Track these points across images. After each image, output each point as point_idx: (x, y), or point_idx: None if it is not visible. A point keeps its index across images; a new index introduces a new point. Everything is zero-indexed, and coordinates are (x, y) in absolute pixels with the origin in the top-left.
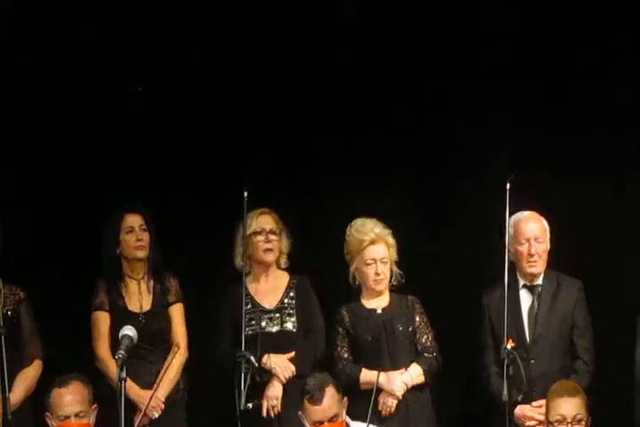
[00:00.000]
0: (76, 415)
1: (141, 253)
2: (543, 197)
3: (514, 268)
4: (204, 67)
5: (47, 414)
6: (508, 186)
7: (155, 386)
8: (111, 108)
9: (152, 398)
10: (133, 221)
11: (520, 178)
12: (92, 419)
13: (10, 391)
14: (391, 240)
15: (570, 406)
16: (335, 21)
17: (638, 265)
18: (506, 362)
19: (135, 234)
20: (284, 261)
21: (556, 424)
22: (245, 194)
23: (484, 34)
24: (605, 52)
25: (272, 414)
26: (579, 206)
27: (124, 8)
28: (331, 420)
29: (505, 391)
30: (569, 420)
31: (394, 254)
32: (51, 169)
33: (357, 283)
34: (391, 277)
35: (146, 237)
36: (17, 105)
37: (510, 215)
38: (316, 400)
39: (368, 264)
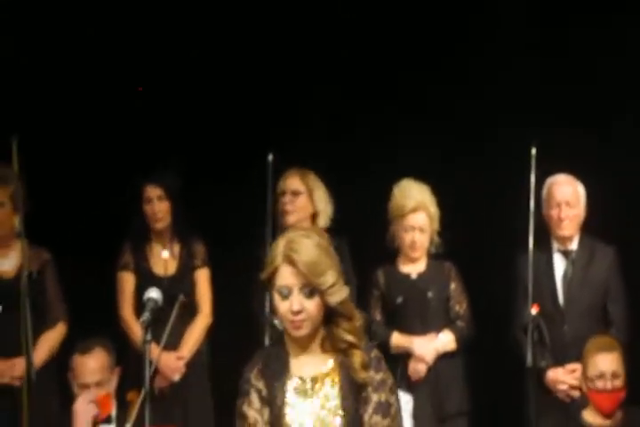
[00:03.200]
0: (96, 384)
1: (159, 225)
2: (576, 160)
3: (548, 232)
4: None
5: (70, 375)
6: (533, 151)
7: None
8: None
9: (173, 361)
10: (151, 191)
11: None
12: (112, 384)
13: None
14: (433, 210)
15: (608, 362)
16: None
17: None
18: (530, 328)
19: (152, 205)
20: (323, 222)
21: (595, 381)
22: (270, 157)
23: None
24: None
25: None
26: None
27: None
28: None
29: (529, 357)
30: (608, 376)
31: (435, 224)
32: (75, 138)
33: (396, 245)
34: (431, 244)
35: (164, 207)
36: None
37: (538, 179)
38: None
39: (406, 231)
